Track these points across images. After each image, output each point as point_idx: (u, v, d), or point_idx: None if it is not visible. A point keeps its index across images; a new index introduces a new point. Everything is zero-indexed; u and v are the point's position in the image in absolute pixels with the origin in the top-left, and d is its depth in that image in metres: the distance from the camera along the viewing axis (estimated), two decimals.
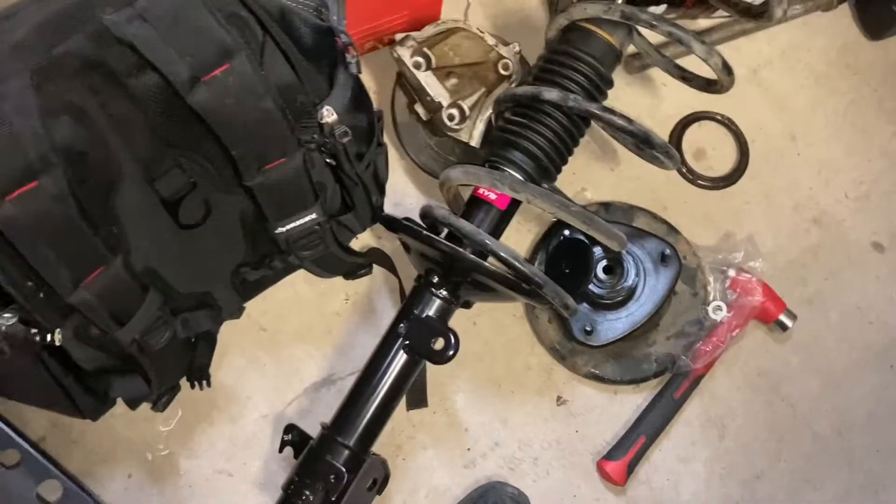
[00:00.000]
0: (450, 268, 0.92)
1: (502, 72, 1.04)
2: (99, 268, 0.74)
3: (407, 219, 0.96)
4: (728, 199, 1.16)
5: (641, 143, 0.92)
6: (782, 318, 1.09)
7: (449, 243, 0.89)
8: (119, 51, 0.70)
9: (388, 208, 1.02)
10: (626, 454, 1.04)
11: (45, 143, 0.67)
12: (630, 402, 1.08)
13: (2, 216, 0.66)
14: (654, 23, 0.90)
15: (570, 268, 1.05)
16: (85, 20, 0.70)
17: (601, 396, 1.08)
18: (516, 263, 0.89)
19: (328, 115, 0.81)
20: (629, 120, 0.90)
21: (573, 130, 0.95)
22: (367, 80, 1.14)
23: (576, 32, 0.96)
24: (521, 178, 0.94)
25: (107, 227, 0.76)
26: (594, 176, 1.15)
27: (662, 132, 1.18)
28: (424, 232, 0.91)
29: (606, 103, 0.96)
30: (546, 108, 0.93)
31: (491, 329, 1.09)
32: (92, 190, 0.73)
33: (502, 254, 0.89)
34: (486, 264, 0.89)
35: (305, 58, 0.79)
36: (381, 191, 0.97)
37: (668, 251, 1.06)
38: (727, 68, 0.94)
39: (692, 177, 1.17)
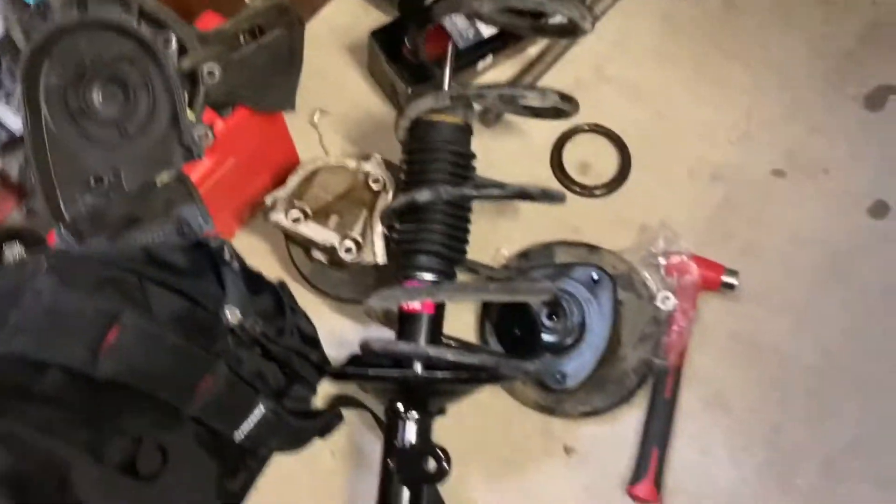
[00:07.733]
0: (408, 391, 0.93)
1: (375, 187, 1.07)
2: None
3: (352, 357, 0.98)
4: (627, 195, 1.20)
5: (521, 199, 0.95)
6: (725, 279, 1.13)
7: (395, 372, 0.91)
8: (11, 363, 0.71)
9: (332, 350, 1.03)
10: (647, 472, 1.06)
11: None
12: (631, 420, 1.10)
13: None
14: (482, 93, 0.93)
15: (519, 329, 1.08)
16: None
17: (602, 428, 1.10)
18: (465, 360, 0.91)
19: (231, 316, 0.83)
20: (501, 186, 0.94)
21: (460, 214, 0.98)
22: (259, 245, 1.16)
23: (421, 127, 0.99)
24: (432, 278, 0.96)
25: None
26: (502, 232, 1.18)
27: (542, 162, 1.22)
28: (370, 373, 0.93)
29: (481, 166, 1.00)
30: (426, 207, 0.96)
31: (477, 415, 1.10)
32: (45, 496, 0.73)
33: (449, 357, 0.91)
34: (439, 374, 0.90)
35: (187, 278, 0.81)
36: (316, 345, 0.98)
37: (594, 273, 1.09)
38: (566, 98, 0.98)
39: (586, 191, 1.20)
